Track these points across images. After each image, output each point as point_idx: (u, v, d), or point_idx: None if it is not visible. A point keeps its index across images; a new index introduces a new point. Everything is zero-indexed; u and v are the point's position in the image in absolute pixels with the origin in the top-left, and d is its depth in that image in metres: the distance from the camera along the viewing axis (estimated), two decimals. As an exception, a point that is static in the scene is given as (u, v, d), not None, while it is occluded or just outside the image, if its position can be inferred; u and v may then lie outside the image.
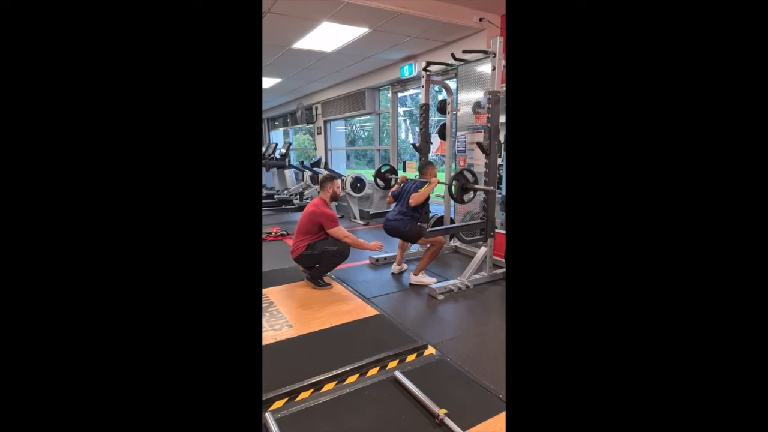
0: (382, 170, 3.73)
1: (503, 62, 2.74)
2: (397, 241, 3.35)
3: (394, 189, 3.23)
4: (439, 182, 3.04)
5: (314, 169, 6.30)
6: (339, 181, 2.91)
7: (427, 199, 3.03)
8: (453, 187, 2.86)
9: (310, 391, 1.69)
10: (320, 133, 7.40)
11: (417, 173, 3.42)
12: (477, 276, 2.96)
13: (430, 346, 2.07)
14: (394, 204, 3.16)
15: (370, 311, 2.51)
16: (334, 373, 1.77)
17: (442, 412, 1.48)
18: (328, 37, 3.73)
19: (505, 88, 2.92)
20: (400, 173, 4.33)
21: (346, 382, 1.76)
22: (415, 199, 2.91)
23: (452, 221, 3.88)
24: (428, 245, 3.06)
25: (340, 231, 2.85)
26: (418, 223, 3.00)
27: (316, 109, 7.26)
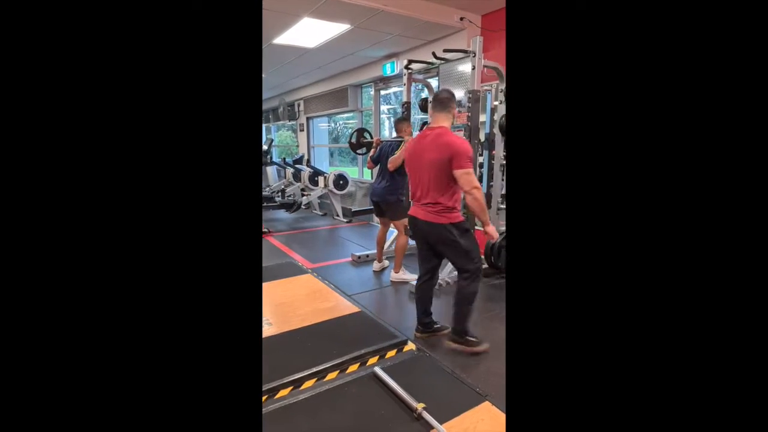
0: (353, 140, 3.51)
1: (483, 62, 2.77)
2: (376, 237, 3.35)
3: (371, 153, 3.19)
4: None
5: (297, 166, 6.25)
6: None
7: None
8: None
9: (290, 388, 1.69)
10: (303, 130, 7.34)
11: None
12: (456, 273, 3.00)
13: (410, 342, 2.10)
14: (375, 168, 3.12)
15: (351, 308, 2.52)
16: (314, 370, 1.77)
17: (420, 406, 1.50)
18: (310, 32, 3.69)
19: (484, 88, 2.96)
20: None
21: (326, 378, 1.77)
22: (392, 162, 2.86)
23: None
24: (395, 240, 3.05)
25: (473, 177, 1.80)
26: (403, 204, 2.96)
27: (299, 105, 7.18)
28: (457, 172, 1.79)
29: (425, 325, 2.17)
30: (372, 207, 3.35)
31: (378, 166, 3.12)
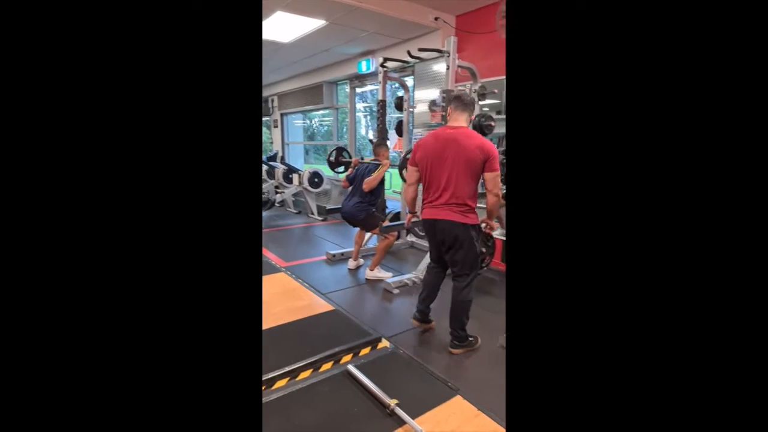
0: (332, 159, 3.67)
1: (457, 62, 2.81)
2: (354, 236, 3.35)
3: (348, 173, 3.24)
4: (391, 165, 3.06)
5: (270, 163, 6.12)
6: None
7: (383, 182, 3.03)
8: (405, 171, 2.91)
9: (262, 388, 1.66)
10: (277, 127, 7.20)
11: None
12: (431, 270, 3.04)
13: (384, 339, 2.10)
14: (350, 188, 3.16)
15: (326, 306, 2.50)
16: (286, 369, 1.75)
17: (393, 402, 1.51)
18: (284, 27, 3.63)
19: (459, 88, 3.00)
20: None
21: (299, 377, 1.75)
22: (368, 184, 2.91)
23: (409, 217, 3.94)
24: (383, 237, 3.09)
25: (499, 180, 1.89)
26: (375, 213, 3.01)
27: (273, 101, 7.05)
28: (490, 175, 1.84)
29: (424, 313, 2.16)
30: None
31: (351, 186, 3.16)
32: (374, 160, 3.11)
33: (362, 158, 3.48)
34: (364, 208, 2.99)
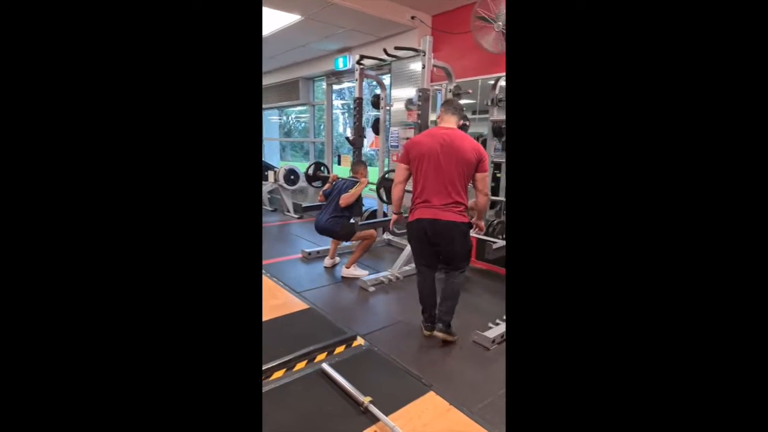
0: (310, 173, 3.78)
1: (432, 61, 2.84)
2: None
3: (325, 188, 3.23)
4: (368, 182, 3.08)
5: (245, 159, 5.99)
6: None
7: (359, 199, 3.07)
8: (383, 190, 2.95)
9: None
10: (252, 122, 7.05)
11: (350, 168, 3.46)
12: (407, 267, 3.06)
13: (359, 337, 2.11)
14: (325, 202, 3.16)
15: (301, 305, 2.48)
16: (259, 369, 1.73)
17: (366, 399, 1.51)
18: (258, 21, 3.55)
19: (434, 87, 3.03)
20: (335, 167, 4.33)
21: (272, 377, 1.73)
22: (344, 199, 2.93)
23: (385, 215, 3.95)
24: (361, 240, 3.09)
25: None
26: (350, 221, 3.02)
27: (248, 96, 6.89)
28: (481, 175, 1.94)
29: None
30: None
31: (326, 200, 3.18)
32: (352, 177, 3.14)
33: (339, 155, 3.49)
34: (339, 222, 2.99)
